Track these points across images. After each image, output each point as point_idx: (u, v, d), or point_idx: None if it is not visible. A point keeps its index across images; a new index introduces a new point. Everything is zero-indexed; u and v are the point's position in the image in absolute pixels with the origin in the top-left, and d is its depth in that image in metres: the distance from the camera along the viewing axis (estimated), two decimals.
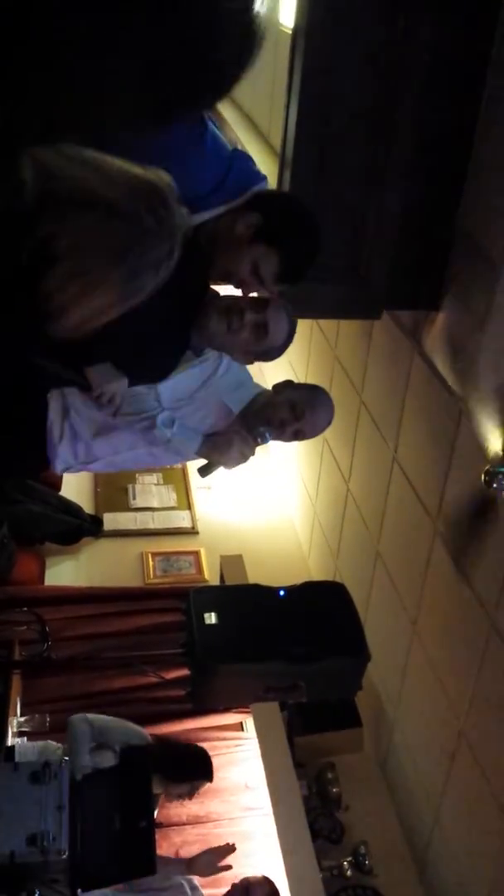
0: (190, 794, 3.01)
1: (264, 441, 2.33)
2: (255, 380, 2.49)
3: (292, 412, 2.31)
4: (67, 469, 2.19)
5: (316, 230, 2.09)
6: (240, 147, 2.30)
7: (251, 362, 2.32)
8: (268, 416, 2.30)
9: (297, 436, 2.38)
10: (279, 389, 2.37)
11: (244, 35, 0.70)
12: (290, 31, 2.24)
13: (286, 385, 2.39)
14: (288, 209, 2.11)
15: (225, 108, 4.36)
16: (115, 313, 0.98)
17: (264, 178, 2.19)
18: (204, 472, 2.34)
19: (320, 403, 2.38)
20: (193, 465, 2.46)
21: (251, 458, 2.36)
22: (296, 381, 2.44)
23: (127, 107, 0.71)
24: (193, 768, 3.04)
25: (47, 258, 0.87)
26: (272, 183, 2.29)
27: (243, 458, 2.31)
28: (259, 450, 2.42)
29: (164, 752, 2.92)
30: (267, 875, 2.78)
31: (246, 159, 2.18)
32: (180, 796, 3.00)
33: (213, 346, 2.23)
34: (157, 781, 2.64)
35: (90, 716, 2.98)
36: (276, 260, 2.00)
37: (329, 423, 2.42)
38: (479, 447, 2.37)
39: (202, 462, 2.35)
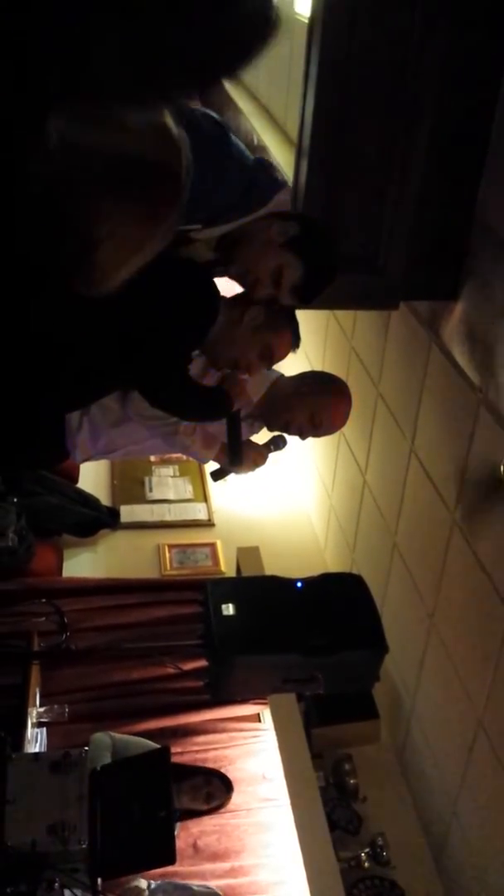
0: (205, 790, 3.01)
1: (278, 450, 2.35)
2: None
3: (311, 421, 2.31)
4: (87, 459, 2.20)
5: (337, 259, 2.09)
6: (256, 137, 2.29)
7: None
8: (286, 420, 2.30)
9: (314, 436, 2.39)
10: (299, 389, 2.34)
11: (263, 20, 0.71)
12: (306, 20, 2.22)
13: (305, 383, 2.36)
14: (320, 232, 2.10)
15: (241, 99, 4.34)
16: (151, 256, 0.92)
17: (285, 184, 2.18)
18: (216, 476, 2.36)
19: (340, 409, 2.38)
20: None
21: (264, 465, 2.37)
22: (311, 368, 2.42)
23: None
24: (204, 769, 3.05)
25: (86, 243, 0.83)
26: (288, 173, 2.28)
27: (256, 467, 2.33)
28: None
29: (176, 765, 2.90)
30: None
31: (268, 167, 2.18)
32: (194, 788, 3.01)
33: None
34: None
35: (112, 733, 3.03)
36: (301, 273, 1.99)
37: (347, 417, 2.42)
38: (498, 438, 2.35)
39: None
